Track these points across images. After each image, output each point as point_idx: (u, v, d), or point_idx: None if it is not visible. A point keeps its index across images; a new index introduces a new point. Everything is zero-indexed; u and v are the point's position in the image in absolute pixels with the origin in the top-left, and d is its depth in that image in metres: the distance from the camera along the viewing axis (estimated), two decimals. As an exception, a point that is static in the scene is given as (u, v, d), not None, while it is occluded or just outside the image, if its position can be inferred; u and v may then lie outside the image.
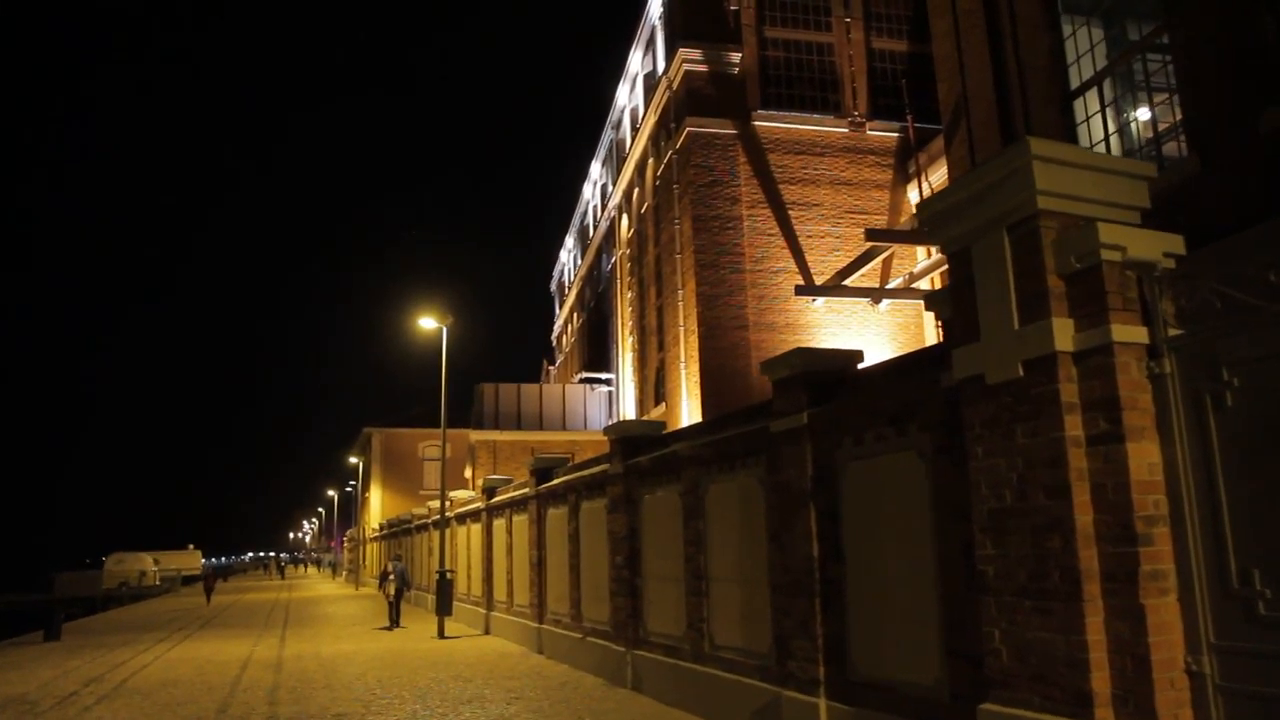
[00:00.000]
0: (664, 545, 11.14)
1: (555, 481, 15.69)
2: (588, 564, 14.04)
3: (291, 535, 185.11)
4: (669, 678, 10.70)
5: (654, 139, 32.46)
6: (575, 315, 52.48)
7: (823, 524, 7.82)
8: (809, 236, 28.42)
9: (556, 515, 15.77)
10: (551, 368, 62.86)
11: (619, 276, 39.23)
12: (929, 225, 6.28)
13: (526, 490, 17.44)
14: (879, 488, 7.21)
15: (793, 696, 8.02)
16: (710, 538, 9.96)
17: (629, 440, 12.30)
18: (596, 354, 44.28)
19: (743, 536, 9.27)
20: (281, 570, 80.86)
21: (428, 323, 22.67)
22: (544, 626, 16.17)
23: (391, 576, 23.52)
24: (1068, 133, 15.91)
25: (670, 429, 12.51)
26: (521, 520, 18.13)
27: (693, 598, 10.23)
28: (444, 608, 20.50)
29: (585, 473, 14.09)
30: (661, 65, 31.60)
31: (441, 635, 19.92)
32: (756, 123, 28.70)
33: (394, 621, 23.23)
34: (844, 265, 27.20)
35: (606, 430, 12.86)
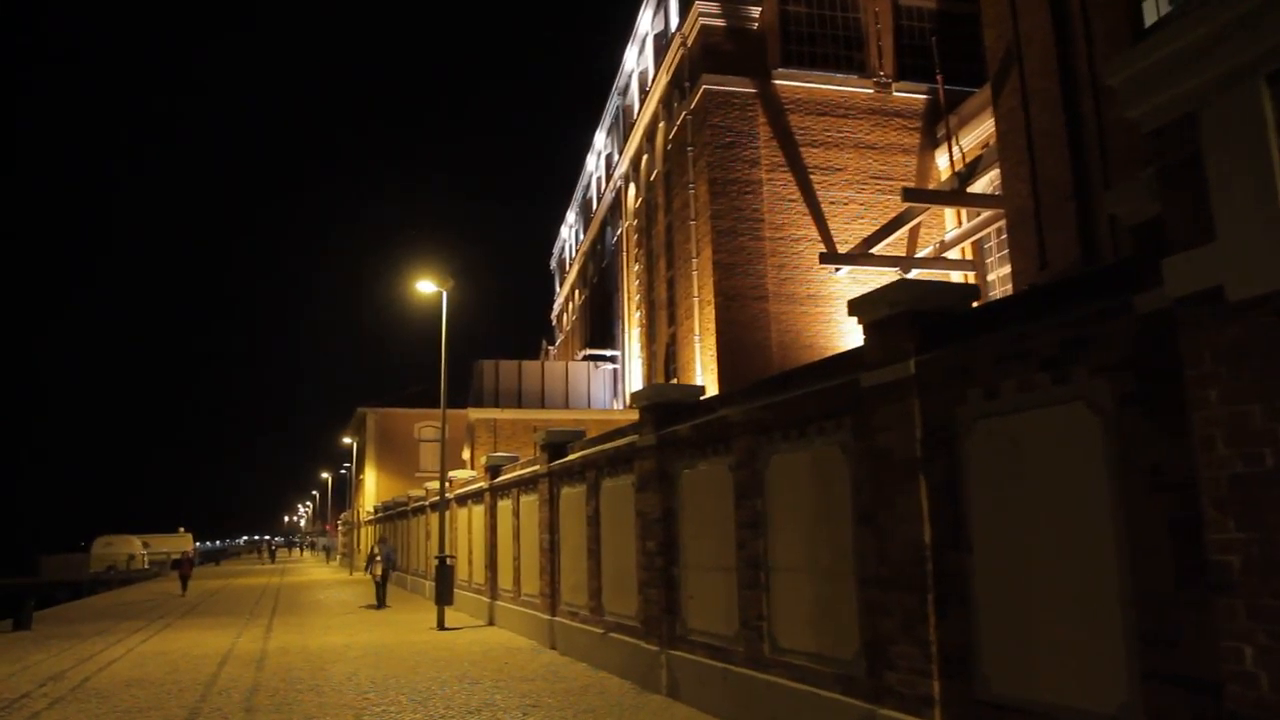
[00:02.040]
0: (709, 528, 9.48)
1: (571, 457, 14.01)
2: (610, 550, 12.39)
3: (286, 518, 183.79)
4: (716, 684, 9.05)
5: (666, 101, 30.66)
6: (577, 292, 50.74)
7: (937, 500, 6.16)
8: (832, 203, 26.72)
9: (572, 495, 14.11)
10: (551, 348, 61.16)
11: (625, 249, 37.49)
12: (1125, 91, 4.59)
13: (537, 468, 15.77)
14: (1024, 452, 5.54)
15: (893, 716, 6.37)
16: (772, 519, 8.30)
17: (663, 407, 10.61)
18: (600, 331, 42.57)
19: (817, 518, 7.60)
20: (273, 554, 78.99)
21: (426, 286, 20.87)
22: (557, 619, 14.53)
23: (379, 559, 24.47)
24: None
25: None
26: (530, 501, 16.47)
27: (748, 591, 8.58)
28: (444, 596, 18.86)
29: (607, 446, 12.41)
30: (675, 22, 29.77)
31: (441, 626, 18.29)
32: (777, 81, 26.95)
33: (380, 601, 24.01)
34: (871, 233, 25.52)
35: (635, 396, 11.18)
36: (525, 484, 16.85)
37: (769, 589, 8.28)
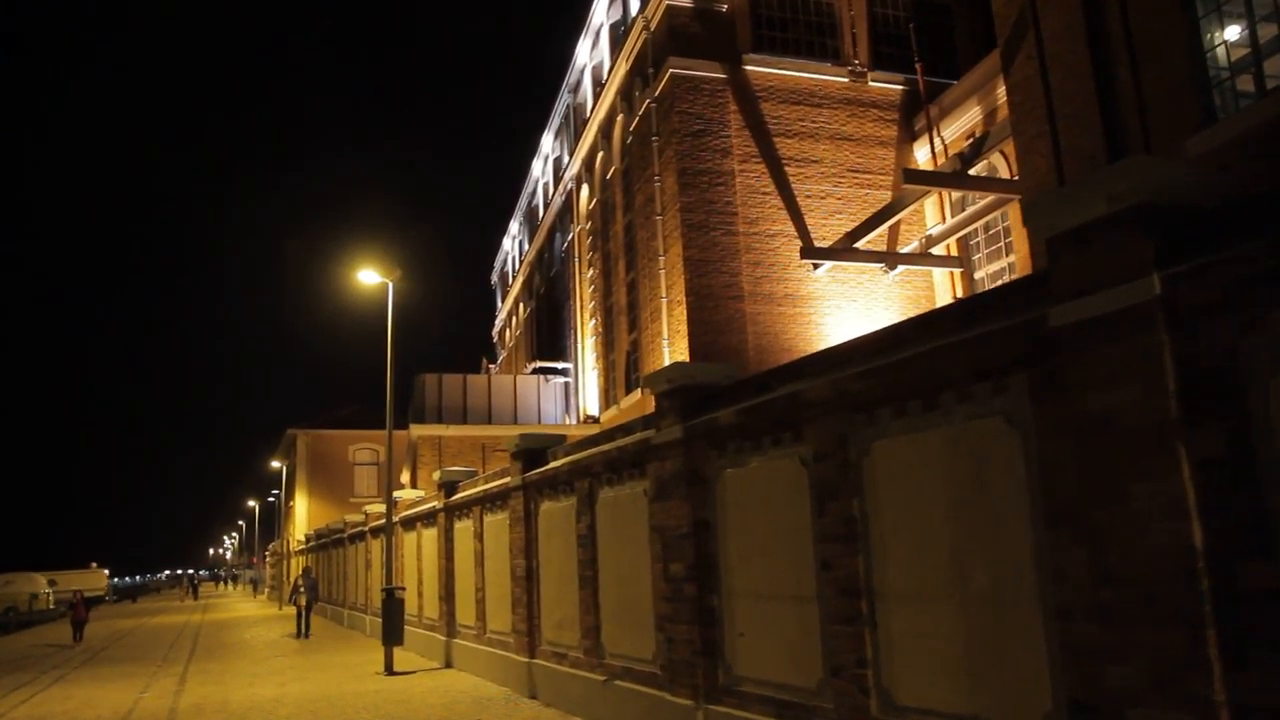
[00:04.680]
0: (769, 544, 7.23)
1: (555, 464, 11.62)
2: (612, 575, 10.04)
3: (211, 551, 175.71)
4: (788, 753, 6.76)
5: (625, 92, 28.60)
6: (521, 305, 48.19)
7: (1213, 483, 4.02)
8: (808, 197, 24.89)
9: (556, 510, 11.71)
10: (492, 366, 58.30)
11: (577, 254, 35.22)
12: None
13: (507, 480, 13.34)
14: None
15: (1136, 819, 4.17)
16: (879, 528, 6.09)
17: (692, 391, 8.35)
18: (549, 343, 40.11)
19: (963, 522, 5.42)
20: (195, 589, 73.71)
21: (370, 277, 18.24)
22: (537, 661, 12.07)
23: (302, 589, 25.22)
24: (1189, 34, 12.65)
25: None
26: (498, 520, 14.01)
27: (839, 626, 6.34)
28: (393, 635, 16.17)
29: (608, 446, 10.08)
30: (635, 8, 27.81)
31: (390, 670, 15.60)
32: (748, 67, 25.11)
33: (302, 631, 24.38)
34: (853, 228, 23.75)
35: (648, 381, 8.92)
36: (491, 500, 14.38)
37: (875, 624, 6.05)
